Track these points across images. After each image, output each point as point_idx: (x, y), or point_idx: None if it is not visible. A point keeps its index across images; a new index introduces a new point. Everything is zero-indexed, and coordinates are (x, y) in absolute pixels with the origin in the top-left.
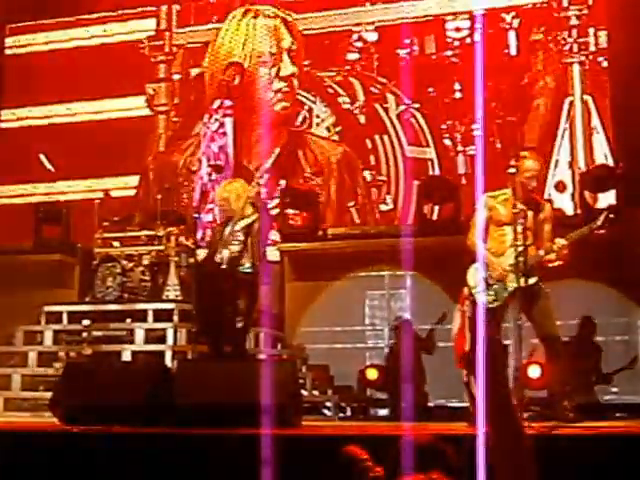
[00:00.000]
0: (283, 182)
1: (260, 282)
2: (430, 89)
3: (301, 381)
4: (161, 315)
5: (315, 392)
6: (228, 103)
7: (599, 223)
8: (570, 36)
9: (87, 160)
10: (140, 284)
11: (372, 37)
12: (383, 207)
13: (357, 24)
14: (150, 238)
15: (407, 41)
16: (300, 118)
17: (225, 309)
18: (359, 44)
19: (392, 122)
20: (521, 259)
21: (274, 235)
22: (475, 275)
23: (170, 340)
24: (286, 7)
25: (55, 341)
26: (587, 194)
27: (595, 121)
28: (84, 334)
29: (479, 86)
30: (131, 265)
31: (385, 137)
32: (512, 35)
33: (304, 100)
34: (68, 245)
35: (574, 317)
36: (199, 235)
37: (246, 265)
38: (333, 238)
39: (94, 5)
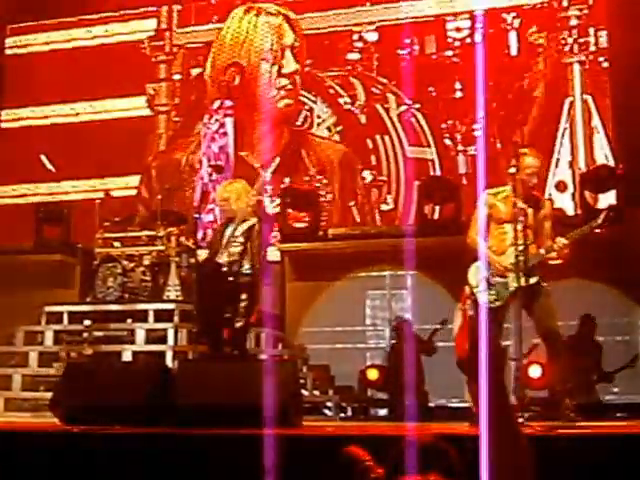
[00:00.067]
0: (287, 180)
1: (260, 283)
2: (431, 89)
3: (302, 381)
4: (162, 315)
5: (316, 392)
6: (228, 103)
7: (599, 222)
8: (570, 36)
9: (88, 160)
10: (141, 284)
11: (373, 37)
12: (384, 207)
13: (358, 24)
14: (151, 238)
15: (408, 41)
16: (301, 118)
17: (225, 309)
18: (360, 44)
19: (393, 122)
20: (522, 258)
21: (275, 236)
22: (476, 274)
23: (171, 340)
24: (287, 7)
25: (56, 341)
26: (587, 194)
27: (595, 121)
28: (85, 334)
29: (480, 86)
30: (132, 265)
31: (386, 137)
32: (512, 35)
33: (305, 100)
34: (69, 245)
35: (575, 317)
36: (200, 235)
37: (246, 266)
38: (334, 238)
39: (95, 5)
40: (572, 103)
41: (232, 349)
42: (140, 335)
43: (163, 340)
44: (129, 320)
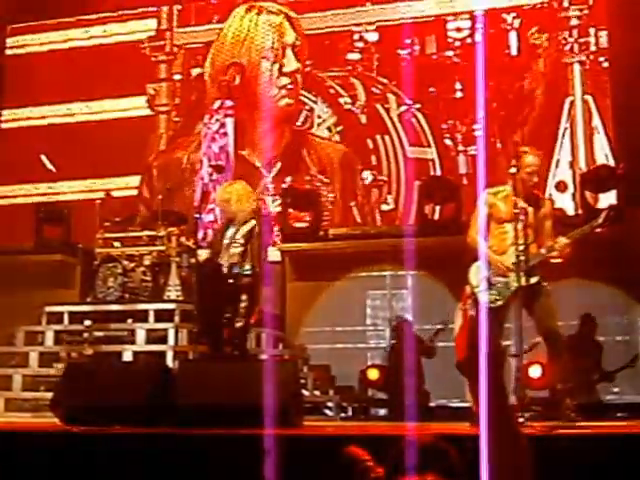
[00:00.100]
0: (289, 179)
1: (260, 284)
2: (431, 89)
3: (302, 381)
4: (162, 315)
5: (316, 392)
6: (229, 103)
7: (600, 221)
8: (571, 36)
9: (88, 160)
10: (141, 284)
11: (373, 37)
12: (384, 207)
13: (358, 24)
14: (151, 238)
15: (408, 41)
16: (302, 118)
17: (226, 310)
18: (360, 44)
19: (393, 122)
20: (522, 258)
21: (277, 235)
22: (477, 274)
23: (171, 340)
24: (288, 7)
25: (56, 341)
26: (588, 194)
27: (596, 121)
28: (85, 334)
29: (480, 86)
30: (132, 265)
31: (386, 137)
32: (513, 35)
33: (305, 100)
34: (69, 245)
35: (575, 316)
36: (200, 235)
37: (246, 267)
38: (334, 238)
39: (95, 6)
40: (572, 103)
41: (232, 349)
42: (140, 335)
43: (163, 340)
44: (129, 320)
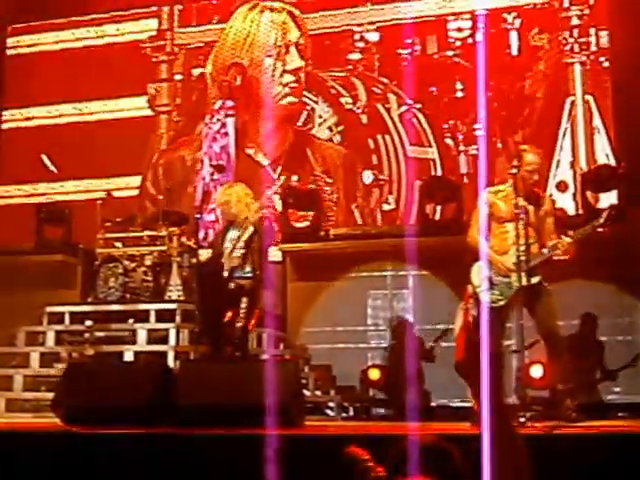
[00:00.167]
0: (295, 178)
1: (261, 287)
2: (432, 89)
3: (304, 381)
4: (163, 315)
5: (318, 392)
6: (230, 103)
7: (602, 221)
8: (571, 36)
9: (89, 160)
10: (142, 284)
11: (374, 37)
12: (385, 207)
13: (359, 24)
14: (152, 238)
15: (409, 41)
16: (303, 118)
17: (227, 311)
18: (361, 44)
19: (394, 122)
20: (523, 258)
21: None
22: (479, 273)
23: (172, 340)
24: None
25: (57, 342)
26: (589, 194)
27: (596, 121)
28: (86, 335)
29: (481, 86)
30: (133, 265)
31: (387, 137)
32: (513, 35)
33: (307, 100)
34: (70, 245)
35: (576, 316)
36: (201, 235)
37: (247, 269)
38: (335, 238)
39: (95, 6)
40: (573, 103)
41: (233, 350)
42: (142, 335)
43: (165, 340)
44: (130, 320)
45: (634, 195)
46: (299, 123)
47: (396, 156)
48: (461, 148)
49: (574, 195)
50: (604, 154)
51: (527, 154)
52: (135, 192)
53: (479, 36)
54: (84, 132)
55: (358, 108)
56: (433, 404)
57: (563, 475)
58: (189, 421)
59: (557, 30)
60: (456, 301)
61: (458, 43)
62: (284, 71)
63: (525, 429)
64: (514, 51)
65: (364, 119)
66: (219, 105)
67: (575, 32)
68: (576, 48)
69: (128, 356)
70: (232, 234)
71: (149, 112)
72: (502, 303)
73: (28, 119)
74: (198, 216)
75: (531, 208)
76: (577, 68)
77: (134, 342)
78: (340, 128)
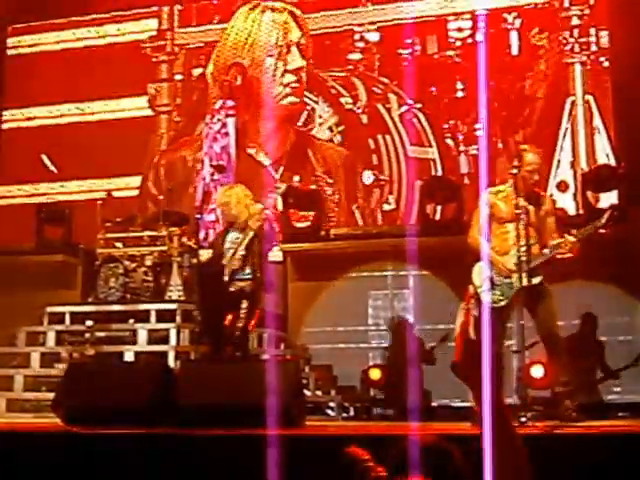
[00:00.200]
0: (297, 178)
1: (262, 289)
2: (432, 89)
3: (304, 381)
4: (164, 315)
5: (318, 392)
6: (230, 103)
7: (604, 221)
8: (571, 36)
9: (89, 160)
10: (143, 284)
11: (374, 37)
12: (386, 207)
13: (359, 24)
14: (153, 238)
15: (409, 41)
16: (303, 118)
17: (227, 312)
18: (361, 44)
19: (394, 122)
20: (524, 258)
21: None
22: (480, 273)
23: (173, 341)
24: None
25: (58, 342)
26: (589, 194)
27: (597, 121)
28: (87, 335)
29: (482, 86)
30: (134, 266)
31: (387, 137)
32: (514, 35)
33: (307, 100)
34: (70, 246)
35: (577, 316)
36: (202, 235)
37: (247, 271)
38: (336, 238)
39: (96, 6)
40: (573, 103)
41: (234, 350)
42: (142, 335)
43: (165, 340)
44: (131, 320)
45: (634, 195)
46: (299, 123)
47: (396, 156)
48: (461, 148)
49: (574, 195)
50: (604, 154)
51: (527, 154)
52: (135, 192)
53: (479, 36)
54: (84, 132)
55: (358, 108)
56: (434, 404)
57: (564, 475)
58: (190, 421)
59: (557, 30)
60: (457, 301)
61: (458, 43)
62: (285, 71)
63: (526, 429)
64: (514, 51)
65: (364, 119)
66: (220, 105)
67: (575, 32)
68: (576, 48)
69: (129, 356)
70: (232, 236)
71: (149, 112)
72: (503, 303)
73: (28, 119)
74: (198, 216)
75: (532, 208)
76: (577, 68)
77: (135, 342)
78: (340, 128)
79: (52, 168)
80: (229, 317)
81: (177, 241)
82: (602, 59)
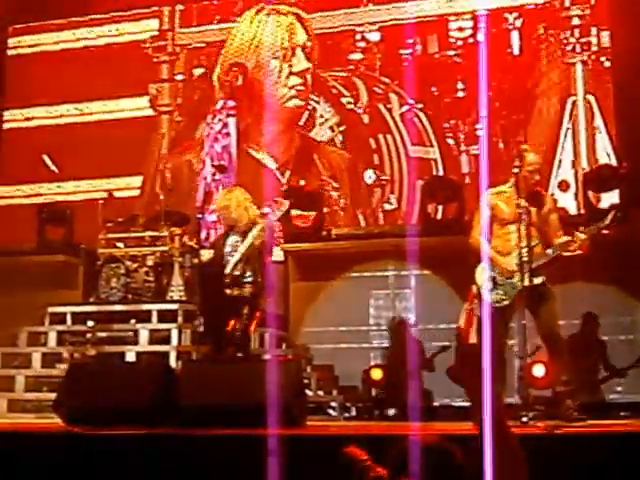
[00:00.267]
0: (302, 182)
1: (263, 292)
2: (433, 89)
3: (306, 381)
4: (165, 316)
5: (320, 392)
6: (231, 103)
7: (607, 222)
8: (572, 36)
9: (90, 160)
10: (144, 285)
11: (375, 37)
12: (387, 207)
13: (360, 24)
14: (154, 239)
15: (410, 41)
16: (304, 118)
17: (228, 315)
18: (362, 44)
19: (395, 122)
20: (526, 259)
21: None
22: (483, 273)
23: (174, 341)
24: (285, 3)
25: (59, 342)
26: (591, 194)
27: (598, 121)
28: (88, 335)
29: (483, 86)
30: (135, 266)
31: (388, 137)
32: (515, 35)
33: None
34: (72, 246)
35: (578, 316)
36: (203, 235)
37: (247, 275)
38: (337, 238)
39: (96, 6)
40: (574, 103)
41: (235, 351)
42: (143, 336)
43: (167, 340)
44: (132, 321)
45: (635, 194)
46: (300, 123)
47: (398, 156)
48: (462, 148)
49: (575, 195)
50: (605, 154)
51: (528, 154)
52: (137, 192)
53: (480, 36)
54: (85, 132)
55: (359, 108)
56: (435, 404)
57: (565, 474)
58: (191, 421)
59: (558, 30)
60: (458, 301)
61: (459, 43)
62: (290, 73)
63: (527, 428)
64: (515, 51)
65: (366, 119)
66: (221, 105)
67: (576, 32)
68: (577, 48)
69: (130, 356)
70: (232, 239)
71: (150, 112)
72: (506, 303)
73: (29, 119)
74: (200, 216)
75: (533, 210)
76: (578, 68)
77: (136, 342)
78: (342, 128)
79: (53, 168)
80: (231, 323)
81: (178, 241)
82: (603, 59)
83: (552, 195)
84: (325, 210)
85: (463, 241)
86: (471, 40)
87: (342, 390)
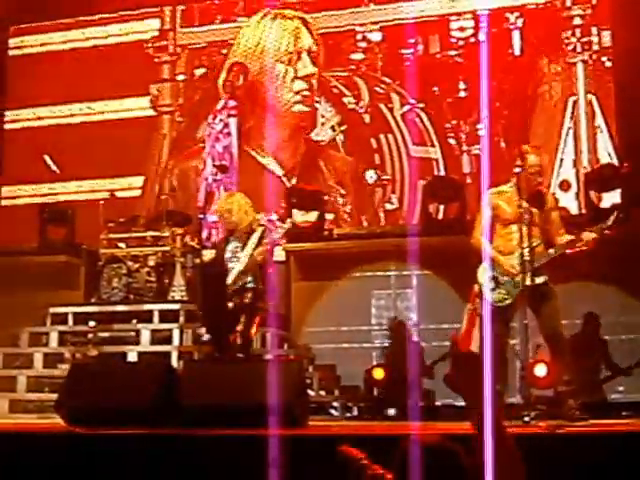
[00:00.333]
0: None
1: (262, 296)
2: (434, 89)
3: (308, 381)
4: (167, 316)
5: (322, 392)
6: (232, 103)
7: (610, 223)
8: (574, 35)
9: (92, 161)
10: (146, 285)
11: (376, 37)
12: (388, 206)
13: (361, 24)
14: (155, 239)
15: (411, 41)
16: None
17: (228, 319)
18: (364, 44)
19: (397, 122)
20: (527, 258)
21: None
22: (486, 273)
23: (176, 341)
24: (291, 7)
25: (61, 342)
26: (592, 193)
27: (599, 120)
28: (90, 335)
29: (484, 85)
30: (137, 266)
31: (390, 137)
32: (516, 35)
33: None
34: (73, 246)
35: (579, 316)
36: (204, 235)
37: (248, 279)
38: (339, 238)
39: (97, 6)
40: (576, 102)
41: (237, 352)
42: (145, 336)
43: (168, 341)
44: (134, 321)
45: (637, 194)
46: (305, 129)
47: (399, 156)
48: (464, 148)
49: (577, 194)
50: (606, 153)
51: (530, 156)
52: (138, 192)
53: (482, 36)
54: (87, 132)
55: (361, 108)
56: (437, 403)
57: (567, 474)
58: (193, 421)
59: (559, 29)
60: (459, 300)
61: (461, 43)
62: (295, 77)
63: (529, 428)
64: (517, 51)
65: (367, 119)
66: (222, 105)
67: (577, 32)
68: (578, 48)
69: (132, 357)
70: (232, 246)
71: (152, 112)
72: (508, 302)
73: (31, 119)
74: (201, 216)
75: (535, 211)
76: (580, 67)
77: (138, 343)
78: (343, 128)
79: (54, 168)
80: (233, 332)
81: (180, 241)
82: (604, 59)
83: (553, 194)
84: (332, 217)
85: (465, 241)
86: (472, 40)
87: (344, 390)
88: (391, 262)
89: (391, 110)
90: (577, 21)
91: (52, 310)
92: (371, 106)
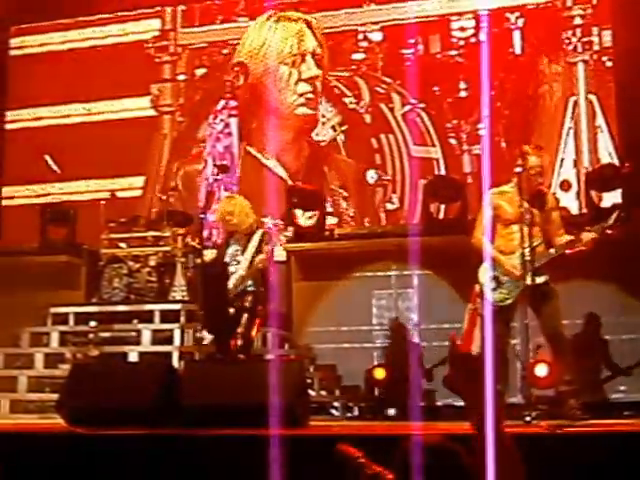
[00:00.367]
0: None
1: (263, 299)
2: (435, 88)
3: (308, 381)
4: (168, 316)
5: (323, 392)
6: (233, 103)
7: (611, 222)
8: (574, 35)
9: (93, 161)
10: (147, 285)
11: (377, 37)
12: (389, 206)
13: (362, 24)
14: (156, 239)
15: (412, 41)
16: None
17: (229, 321)
18: (364, 44)
19: (397, 122)
20: (528, 258)
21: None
22: (486, 273)
23: (177, 341)
24: (291, 7)
25: (61, 342)
26: (593, 193)
27: (600, 120)
28: (90, 335)
29: (485, 85)
30: (138, 266)
31: (391, 136)
32: (517, 34)
33: None
34: (74, 246)
35: (580, 316)
36: (205, 235)
37: (249, 283)
38: (340, 238)
39: (98, 6)
40: (576, 102)
41: (238, 353)
42: (146, 336)
43: (169, 341)
44: (135, 321)
45: (637, 194)
46: (309, 131)
47: (400, 155)
48: (465, 147)
49: (577, 194)
50: (607, 153)
51: (530, 157)
52: (139, 192)
53: (482, 35)
54: (88, 132)
55: (362, 108)
56: (438, 403)
57: (568, 474)
58: (194, 421)
59: (560, 29)
60: (460, 300)
61: (461, 43)
62: (299, 79)
63: (530, 428)
64: (517, 50)
65: (368, 119)
66: (222, 105)
67: (578, 31)
68: (579, 47)
69: (132, 357)
70: (233, 249)
71: (152, 112)
72: (509, 302)
73: (32, 119)
74: (202, 216)
75: (536, 211)
76: (580, 67)
77: (138, 343)
78: (344, 128)
79: (55, 168)
80: (234, 338)
81: (181, 241)
82: (605, 58)
83: (554, 194)
84: (335, 221)
85: (465, 241)
86: (473, 40)
87: (345, 390)
88: (392, 262)
89: (392, 110)
90: (578, 21)
91: (53, 310)
92: (372, 106)
